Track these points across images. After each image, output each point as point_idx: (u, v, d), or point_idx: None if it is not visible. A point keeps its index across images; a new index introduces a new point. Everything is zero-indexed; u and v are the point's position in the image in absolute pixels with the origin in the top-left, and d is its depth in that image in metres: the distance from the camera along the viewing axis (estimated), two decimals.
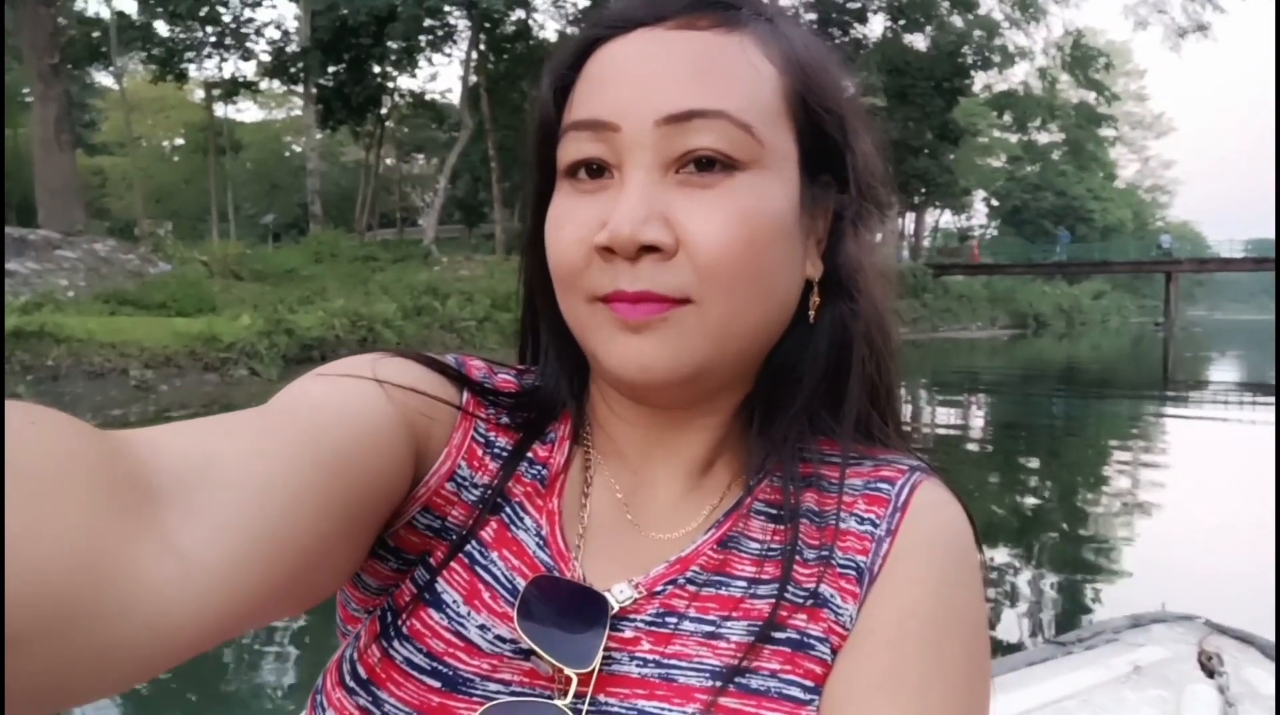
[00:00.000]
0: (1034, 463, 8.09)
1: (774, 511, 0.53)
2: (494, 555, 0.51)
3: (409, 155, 39.83)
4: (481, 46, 24.70)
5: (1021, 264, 39.77)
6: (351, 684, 0.50)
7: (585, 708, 0.47)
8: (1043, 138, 47.16)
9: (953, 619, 0.48)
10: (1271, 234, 37.80)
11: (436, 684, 0.48)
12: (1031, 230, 49.46)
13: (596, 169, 0.49)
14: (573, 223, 0.49)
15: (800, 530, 0.52)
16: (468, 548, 0.52)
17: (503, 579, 0.51)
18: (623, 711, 0.47)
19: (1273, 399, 10.11)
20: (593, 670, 0.47)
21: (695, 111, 0.47)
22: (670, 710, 0.47)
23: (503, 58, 26.01)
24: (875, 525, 0.51)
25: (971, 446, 8.72)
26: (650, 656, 0.49)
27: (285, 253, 21.28)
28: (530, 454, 0.55)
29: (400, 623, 0.50)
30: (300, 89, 24.49)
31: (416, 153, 39.96)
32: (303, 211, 28.56)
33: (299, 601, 0.44)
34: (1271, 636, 1.92)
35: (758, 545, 0.52)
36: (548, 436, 0.56)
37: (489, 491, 0.53)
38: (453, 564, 0.51)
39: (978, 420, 10.87)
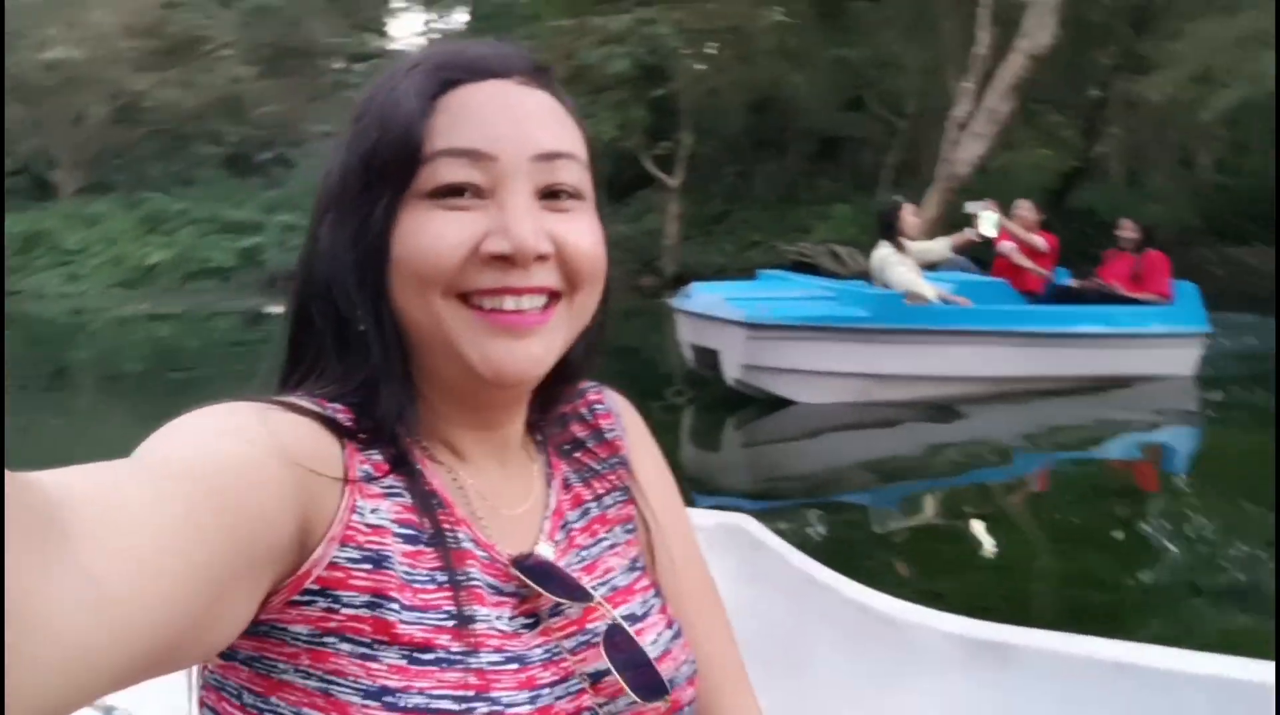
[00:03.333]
0: None
1: (566, 447, 0.73)
2: (466, 569, 0.60)
3: None
4: None
5: None
6: (451, 707, 0.55)
7: (619, 623, 0.64)
8: None
9: (670, 475, 0.80)
10: None
11: (515, 666, 0.59)
12: None
13: (463, 190, 0.59)
14: (451, 230, 0.58)
15: (592, 450, 0.74)
16: (430, 573, 0.58)
17: (482, 580, 0.61)
18: (614, 622, 0.65)
19: None
20: (598, 598, 0.64)
21: (561, 153, 0.61)
22: (629, 606, 0.67)
23: None
24: (613, 431, 0.76)
25: None
26: (594, 584, 0.66)
27: None
28: (405, 482, 0.60)
29: (441, 643, 0.56)
30: None
31: None
32: None
33: (197, 650, 0.47)
34: None
35: (578, 475, 0.72)
36: (411, 464, 0.61)
37: (428, 528, 0.59)
38: (426, 588, 0.57)
39: None
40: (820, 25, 16.82)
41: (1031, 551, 4.28)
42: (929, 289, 6.62)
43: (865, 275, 7.00)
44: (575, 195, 0.62)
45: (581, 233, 0.62)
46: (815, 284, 7.24)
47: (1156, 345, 7.05)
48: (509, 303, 0.59)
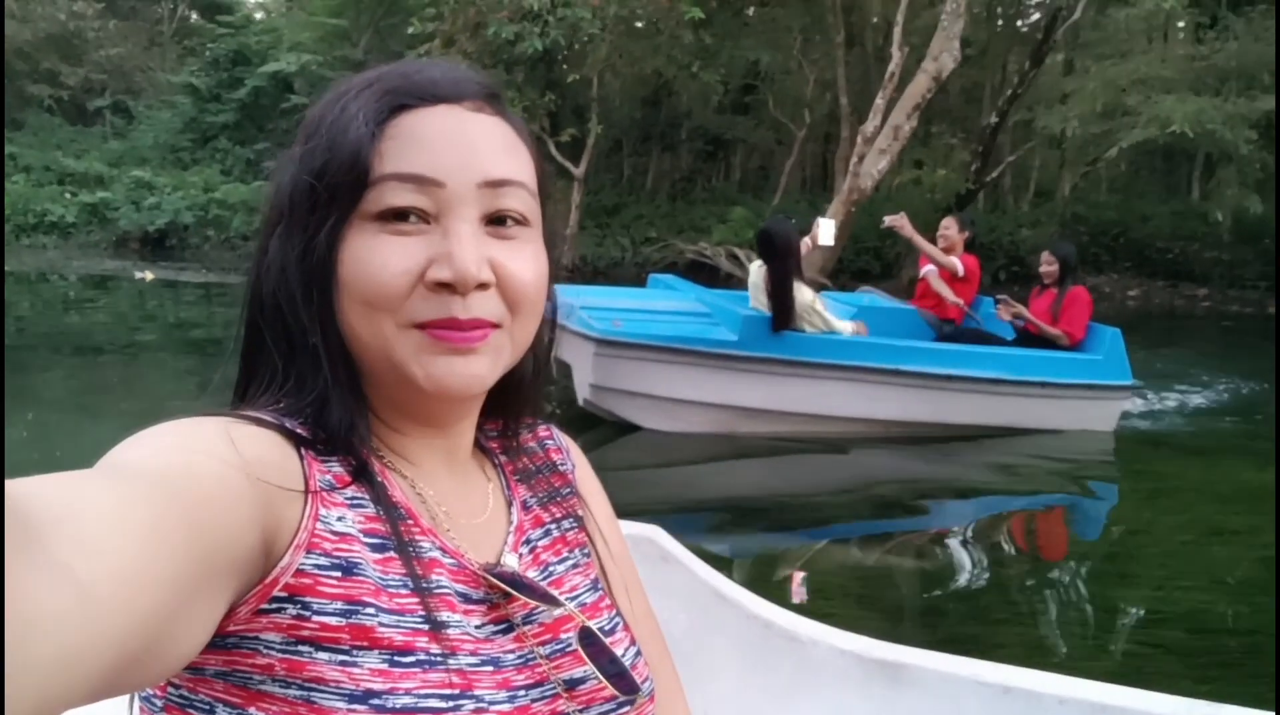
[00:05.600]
0: None
1: (521, 474, 0.77)
2: (434, 576, 0.62)
3: None
4: None
5: None
6: (440, 705, 0.57)
7: (590, 628, 0.69)
8: None
9: (612, 509, 0.85)
10: None
11: (491, 668, 0.62)
12: None
13: (409, 214, 0.61)
14: (397, 257, 0.61)
15: (546, 479, 0.79)
16: (402, 578, 0.60)
17: (451, 587, 0.63)
18: (586, 628, 0.68)
19: None
20: (570, 607, 0.68)
21: (508, 180, 0.63)
22: (598, 620, 0.70)
23: None
24: (565, 465, 0.81)
25: None
26: (563, 596, 0.70)
27: None
28: (368, 492, 0.62)
29: (420, 646, 0.59)
30: None
31: None
32: None
33: (157, 665, 0.46)
34: None
35: (536, 498, 0.76)
36: (372, 475, 0.63)
37: (384, 532, 0.61)
38: (400, 593, 0.59)
39: None
40: (729, 25, 17.25)
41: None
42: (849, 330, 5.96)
43: None
44: (522, 222, 0.65)
45: (524, 261, 0.64)
46: (696, 295, 6.67)
47: (1072, 396, 6.19)
48: (453, 337, 0.63)
